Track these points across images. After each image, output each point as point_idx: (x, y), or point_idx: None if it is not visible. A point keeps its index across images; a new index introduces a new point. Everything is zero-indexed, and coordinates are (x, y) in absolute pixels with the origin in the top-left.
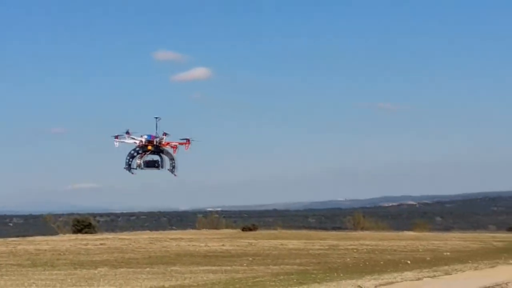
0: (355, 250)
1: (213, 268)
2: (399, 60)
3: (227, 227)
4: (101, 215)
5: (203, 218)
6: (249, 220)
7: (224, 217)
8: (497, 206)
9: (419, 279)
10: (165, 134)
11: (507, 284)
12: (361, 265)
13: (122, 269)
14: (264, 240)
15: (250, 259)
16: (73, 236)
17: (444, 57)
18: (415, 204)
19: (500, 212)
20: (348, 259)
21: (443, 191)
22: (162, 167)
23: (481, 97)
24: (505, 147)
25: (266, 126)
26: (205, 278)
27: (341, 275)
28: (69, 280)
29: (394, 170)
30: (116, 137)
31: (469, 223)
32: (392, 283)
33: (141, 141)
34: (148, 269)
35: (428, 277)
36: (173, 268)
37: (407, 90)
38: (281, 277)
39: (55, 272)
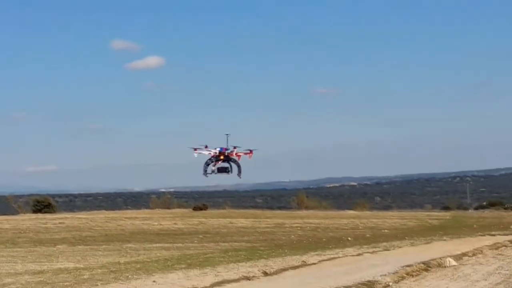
0: (299, 228)
1: (166, 245)
2: (335, 46)
3: (179, 206)
4: (60, 195)
5: (156, 198)
6: (200, 200)
7: (176, 197)
8: (431, 187)
9: (359, 254)
10: (235, 147)
11: (441, 259)
12: (305, 242)
13: (80, 246)
14: (214, 219)
15: (201, 236)
16: (33, 215)
17: (380, 44)
18: (356, 185)
19: (434, 192)
20: (293, 237)
21: (382, 173)
22: (231, 172)
23: (417, 83)
24: (438, 131)
25: (215, 111)
26: (158, 255)
27: (287, 251)
28: (29, 257)
29: (336, 152)
30: (195, 149)
31: (406, 203)
32: (334, 258)
33: (215, 152)
34: (104, 246)
35: (368, 252)
36: (128, 245)
37: (347, 75)
38: (230, 253)
39: (16, 249)
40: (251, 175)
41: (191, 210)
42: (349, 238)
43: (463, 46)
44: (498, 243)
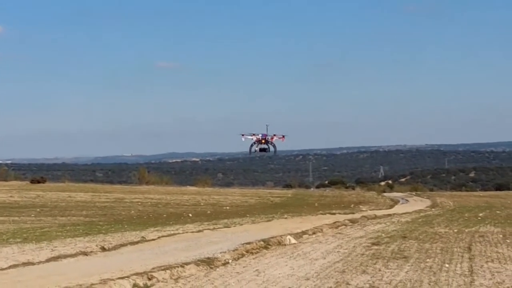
0: (140, 204)
1: (1, 218)
2: (178, 20)
3: (16, 179)
4: None
5: None
6: (38, 172)
7: (13, 169)
8: (274, 164)
9: (200, 231)
10: (274, 135)
11: (281, 237)
12: (145, 217)
13: None
14: (52, 193)
15: (38, 210)
16: None
17: (223, 21)
18: (198, 161)
19: (277, 170)
20: (133, 212)
21: (225, 149)
22: (269, 151)
23: (260, 60)
24: (280, 110)
25: (54, 82)
26: None
27: (126, 226)
28: None
29: (179, 128)
30: (243, 135)
31: (248, 180)
32: (174, 234)
33: (258, 138)
34: None
35: (209, 229)
36: None
37: (189, 49)
38: (68, 227)
39: None
40: (92, 148)
41: (28, 182)
42: (190, 215)
43: (307, 26)
44: (338, 222)
